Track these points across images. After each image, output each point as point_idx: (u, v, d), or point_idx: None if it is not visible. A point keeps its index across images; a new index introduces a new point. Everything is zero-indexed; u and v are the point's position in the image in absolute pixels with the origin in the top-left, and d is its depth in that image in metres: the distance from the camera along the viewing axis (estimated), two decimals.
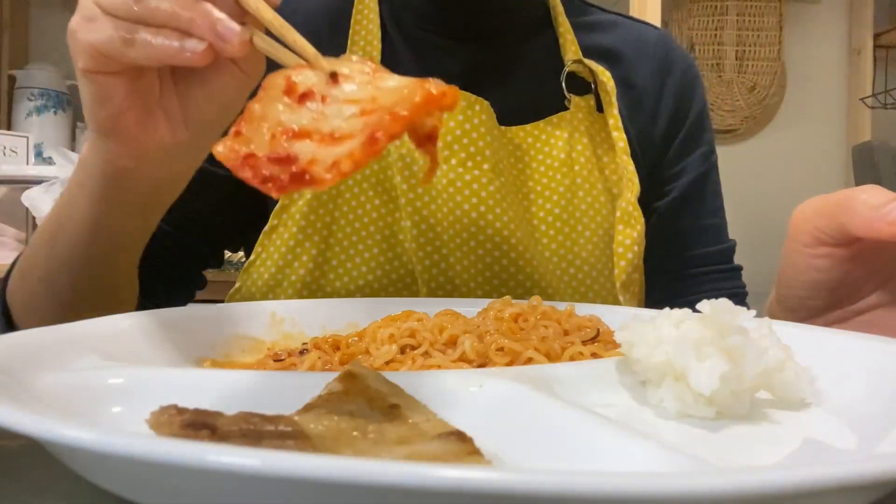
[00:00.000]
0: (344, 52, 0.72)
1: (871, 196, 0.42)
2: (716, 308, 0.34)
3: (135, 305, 0.63)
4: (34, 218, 1.56)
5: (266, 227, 0.70)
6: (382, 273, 0.70)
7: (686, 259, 0.80)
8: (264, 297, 0.71)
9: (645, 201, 0.75)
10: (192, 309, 0.48)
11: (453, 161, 0.69)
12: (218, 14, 0.40)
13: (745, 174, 2.41)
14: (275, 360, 0.43)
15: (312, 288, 0.70)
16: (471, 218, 0.70)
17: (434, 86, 0.29)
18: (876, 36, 2.41)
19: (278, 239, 0.70)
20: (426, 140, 0.30)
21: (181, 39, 0.40)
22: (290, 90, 0.31)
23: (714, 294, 0.78)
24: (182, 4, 0.40)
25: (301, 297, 0.70)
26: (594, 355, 0.42)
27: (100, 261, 0.55)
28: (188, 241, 0.74)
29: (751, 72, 2.46)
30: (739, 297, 0.81)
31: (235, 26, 0.40)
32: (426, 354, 0.41)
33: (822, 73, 2.50)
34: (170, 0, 0.40)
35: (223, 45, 0.40)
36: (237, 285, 0.73)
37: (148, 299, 0.69)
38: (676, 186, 0.79)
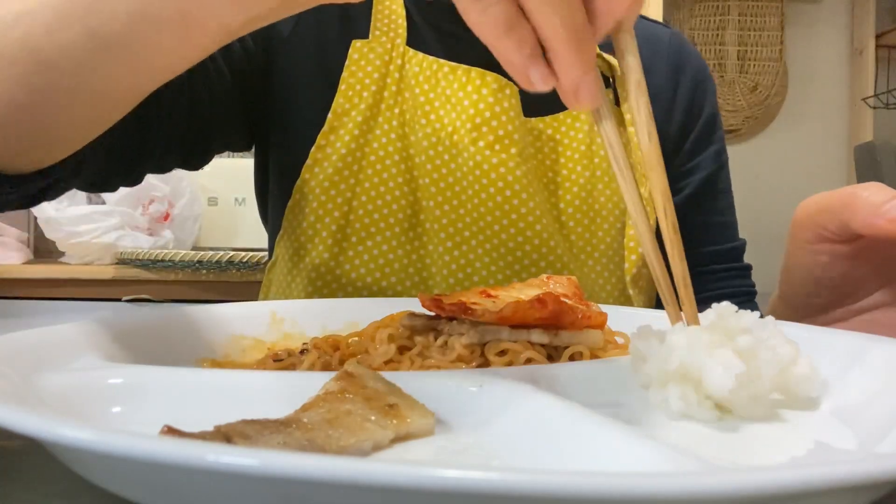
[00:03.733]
0: (367, 34, 0.72)
1: (872, 193, 0.42)
2: (720, 312, 0.34)
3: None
4: (35, 218, 1.56)
5: (290, 203, 0.71)
6: (396, 257, 0.70)
7: (696, 256, 0.80)
8: (296, 265, 0.72)
9: None
10: (192, 309, 0.48)
11: (481, 143, 0.69)
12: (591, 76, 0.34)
13: (746, 174, 2.41)
14: (275, 360, 0.43)
15: (331, 265, 0.70)
16: (496, 202, 0.70)
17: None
18: (878, 36, 2.41)
19: (300, 213, 0.71)
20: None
21: (536, 59, 0.34)
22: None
23: (723, 292, 0.78)
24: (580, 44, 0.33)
25: (320, 276, 0.70)
26: (594, 355, 0.42)
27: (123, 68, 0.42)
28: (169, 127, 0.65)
29: (752, 72, 2.46)
30: (749, 296, 0.81)
31: (596, 94, 0.34)
32: (423, 355, 0.41)
33: (824, 73, 2.50)
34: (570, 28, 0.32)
35: (572, 98, 0.34)
36: (273, 258, 0.75)
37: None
38: (689, 183, 0.80)
